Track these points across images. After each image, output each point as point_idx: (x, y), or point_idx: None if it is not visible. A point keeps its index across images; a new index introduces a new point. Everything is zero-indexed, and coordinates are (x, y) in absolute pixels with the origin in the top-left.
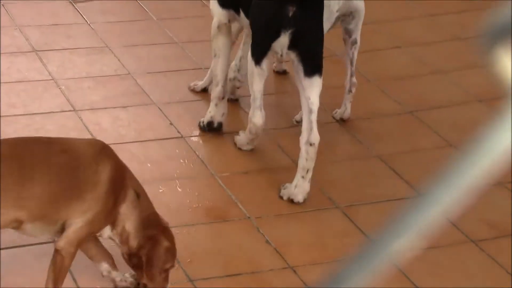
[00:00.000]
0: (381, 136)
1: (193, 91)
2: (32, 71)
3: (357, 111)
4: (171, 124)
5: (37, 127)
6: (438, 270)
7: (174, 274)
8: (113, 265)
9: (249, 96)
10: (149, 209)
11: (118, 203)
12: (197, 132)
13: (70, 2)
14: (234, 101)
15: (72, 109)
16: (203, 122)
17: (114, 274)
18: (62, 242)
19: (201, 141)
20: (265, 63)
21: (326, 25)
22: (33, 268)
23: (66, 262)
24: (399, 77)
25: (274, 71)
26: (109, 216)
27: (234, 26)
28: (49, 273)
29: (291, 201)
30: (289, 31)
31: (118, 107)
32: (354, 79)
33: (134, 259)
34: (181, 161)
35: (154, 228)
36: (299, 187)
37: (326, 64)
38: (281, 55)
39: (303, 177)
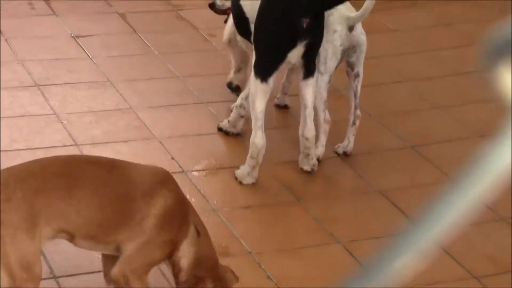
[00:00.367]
0: (382, 170)
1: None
2: (34, 106)
3: (358, 146)
4: (172, 158)
5: None
6: None
7: None
8: None
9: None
10: (208, 250)
11: (177, 238)
12: (198, 166)
13: (72, 36)
14: (236, 135)
15: (73, 143)
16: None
17: None
18: (115, 270)
19: (202, 176)
20: (273, 78)
21: (333, 62)
22: None
23: None
24: (400, 112)
25: (275, 105)
26: (165, 248)
27: None
28: None
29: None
30: (304, 42)
31: (119, 141)
32: (358, 112)
33: None
34: None
35: (206, 270)
36: (303, 161)
37: (328, 99)
38: (294, 64)
39: (306, 158)
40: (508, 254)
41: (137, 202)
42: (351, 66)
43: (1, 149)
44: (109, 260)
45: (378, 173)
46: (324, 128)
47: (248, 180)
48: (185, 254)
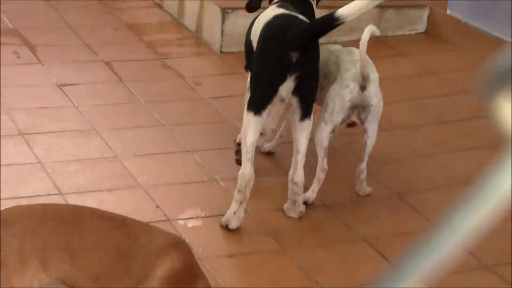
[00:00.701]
0: (368, 219)
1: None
2: (19, 155)
3: (344, 194)
4: (157, 207)
5: None
6: None
7: None
8: None
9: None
10: None
11: None
12: (183, 215)
13: (58, 85)
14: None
15: (58, 192)
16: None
17: None
18: None
19: (187, 224)
20: (266, 111)
21: (340, 115)
22: None
23: None
24: (385, 160)
25: (260, 151)
26: None
27: None
28: None
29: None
30: (294, 76)
31: (104, 190)
32: (362, 166)
33: None
34: None
35: None
36: (290, 209)
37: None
38: (284, 100)
39: (293, 204)
40: None
41: (140, 261)
42: (361, 121)
43: None
44: None
45: (364, 221)
46: (319, 176)
47: (233, 224)
48: None
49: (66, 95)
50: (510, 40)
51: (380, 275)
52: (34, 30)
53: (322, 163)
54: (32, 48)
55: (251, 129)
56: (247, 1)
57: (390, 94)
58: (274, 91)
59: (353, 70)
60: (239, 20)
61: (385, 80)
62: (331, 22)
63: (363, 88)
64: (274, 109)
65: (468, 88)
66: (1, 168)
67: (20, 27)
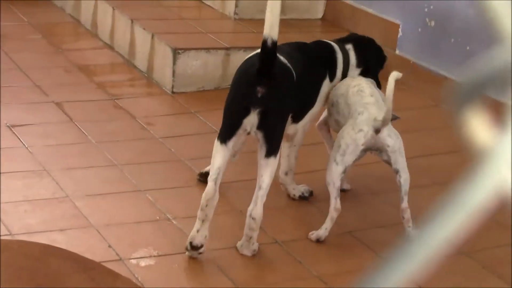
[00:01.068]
0: (321, 256)
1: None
2: None
3: (297, 232)
4: (109, 246)
5: None
6: None
7: None
8: None
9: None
10: None
11: None
12: (136, 254)
13: (8, 126)
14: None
15: (8, 233)
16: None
17: None
18: None
19: (140, 264)
20: (232, 142)
21: (351, 157)
22: None
23: None
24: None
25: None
26: None
27: None
28: None
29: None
30: (257, 110)
31: (55, 230)
32: (402, 205)
33: None
34: None
35: None
36: (243, 246)
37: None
38: (249, 133)
39: (247, 241)
40: None
41: None
42: (388, 163)
43: None
44: None
45: (316, 259)
46: (332, 215)
47: (197, 241)
48: None
49: (16, 136)
50: (455, 78)
51: (367, 276)
52: None
53: (335, 203)
54: None
55: (218, 155)
56: None
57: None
58: (238, 124)
59: (365, 114)
60: (190, 61)
61: None
62: (265, 46)
63: (377, 131)
64: (240, 140)
65: (418, 127)
66: None
67: None
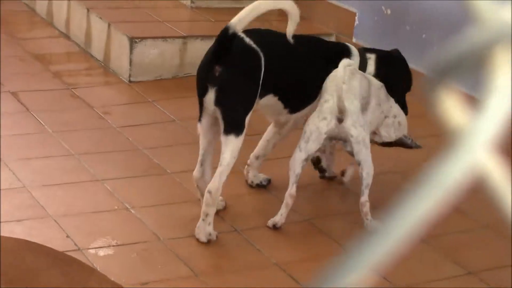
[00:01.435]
0: (279, 244)
1: None
2: None
3: (255, 220)
4: (67, 236)
5: None
6: None
7: None
8: None
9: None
10: None
11: None
12: (95, 244)
13: None
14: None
15: None
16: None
17: None
18: None
19: (98, 253)
20: (204, 120)
21: (315, 144)
22: None
23: None
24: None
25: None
26: None
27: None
28: None
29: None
30: (214, 88)
31: (13, 221)
32: (361, 199)
33: None
34: None
35: None
36: (200, 228)
37: None
38: (211, 110)
39: (203, 219)
40: None
41: None
42: (351, 154)
43: None
44: None
45: (275, 247)
46: (287, 201)
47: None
48: None
49: None
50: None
51: (331, 266)
52: None
53: (291, 189)
54: None
55: (200, 137)
56: None
57: None
58: (201, 101)
59: (330, 102)
60: (147, 49)
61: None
62: (224, 33)
63: (340, 120)
64: (211, 120)
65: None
66: None
67: None
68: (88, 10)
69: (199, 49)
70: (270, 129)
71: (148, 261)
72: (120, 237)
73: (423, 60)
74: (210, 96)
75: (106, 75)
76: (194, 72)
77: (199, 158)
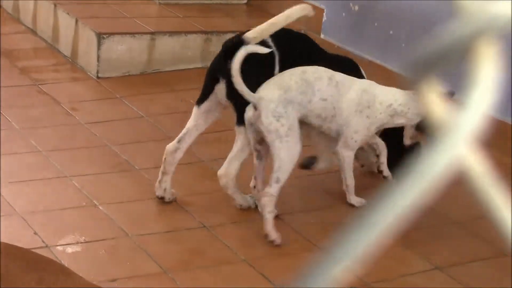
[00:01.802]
0: (247, 240)
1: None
2: None
3: (224, 217)
4: (35, 233)
5: None
6: None
7: None
8: None
9: None
10: None
11: None
12: (63, 241)
13: None
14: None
15: None
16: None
17: None
18: None
19: (66, 250)
20: (204, 105)
21: (249, 134)
22: None
23: None
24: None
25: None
26: None
27: None
28: None
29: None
30: (225, 80)
31: None
32: (266, 189)
33: None
34: None
35: None
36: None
37: None
38: (222, 102)
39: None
40: None
41: None
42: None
43: None
44: None
45: (244, 243)
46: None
47: (158, 193)
48: None
49: None
50: (379, 62)
51: (311, 263)
52: None
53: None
54: None
55: (191, 117)
56: None
57: None
58: (211, 89)
59: (259, 91)
60: (115, 45)
61: None
62: (236, 43)
63: (255, 107)
64: (212, 106)
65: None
66: None
67: None
68: (55, 5)
69: (167, 45)
70: None
71: (116, 258)
72: (88, 234)
73: (388, 56)
74: (221, 88)
75: (74, 71)
76: (162, 68)
77: (180, 135)
